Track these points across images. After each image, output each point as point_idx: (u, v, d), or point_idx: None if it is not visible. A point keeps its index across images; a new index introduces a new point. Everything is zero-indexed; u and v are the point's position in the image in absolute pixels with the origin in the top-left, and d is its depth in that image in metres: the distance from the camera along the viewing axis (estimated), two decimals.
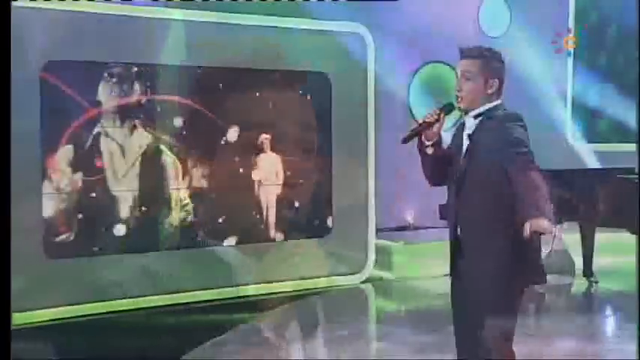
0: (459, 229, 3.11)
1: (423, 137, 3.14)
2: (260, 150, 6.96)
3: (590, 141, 9.79)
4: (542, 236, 7.04)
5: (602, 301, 6.98)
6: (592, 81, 9.83)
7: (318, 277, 7.20)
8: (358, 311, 6.64)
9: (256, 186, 6.95)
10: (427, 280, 7.44)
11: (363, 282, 7.41)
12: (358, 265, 7.45)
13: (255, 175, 6.96)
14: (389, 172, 8.01)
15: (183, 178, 6.58)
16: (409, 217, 8.67)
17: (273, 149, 7.00)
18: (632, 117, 9.75)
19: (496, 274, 2.97)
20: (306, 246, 7.15)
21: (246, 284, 6.81)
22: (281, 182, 7.05)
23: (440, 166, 3.17)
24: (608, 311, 6.74)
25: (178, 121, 6.55)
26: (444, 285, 7.40)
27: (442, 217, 7.29)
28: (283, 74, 7.01)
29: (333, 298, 6.88)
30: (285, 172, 7.07)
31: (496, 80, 3.10)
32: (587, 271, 7.31)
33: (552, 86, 9.53)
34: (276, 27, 6.94)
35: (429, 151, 3.14)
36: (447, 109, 3.16)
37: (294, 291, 6.95)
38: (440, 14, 8.68)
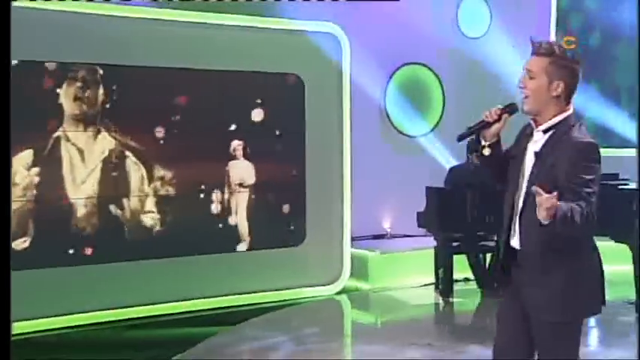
0: (517, 242, 2.98)
1: (481, 137, 3.07)
2: (232, 157, 6.94)
3: None
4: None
5: None
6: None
7: (291, 288, 7.18)
8: (333, 323, 6.62)
9: (227, 193, 6.92)
10: (405, 291, 7.46)
11: (338, 293, 7.40)
12: (333, 275, 7.45)
13: (227, 182, 6.93)
14: (365, 178, 8.04)
15: (148, 185, 6.54)
16: (386, 226, 8.70)
17: (245, 155, 6.98)
18: (614, 120, 9.87)
19: (557, 304, 2.90)
20: (279, 256, 7.13)
21: (215, 296, 6.77)
22: (253, 190, 7.03)
23: (499, 169, 3.10)
24: (592, 322, 6.74)
25: (145, 126, 6.50)
26: (423, 295, 7.52)
27: (420, 225, 7.33)
28: (254, 76, 7.00)
29: (306, 310, 6.87)
30: (257, 179, 7.05)
31: (561, 83, 2.92)
32: None
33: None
34: (247, 27, 6.93)
35: (486, 152, 3.06)
36: (511, 109, 3.05)
37: (265, 303, 6.92)
38: (418, 15, 8.73)
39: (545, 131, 2.94)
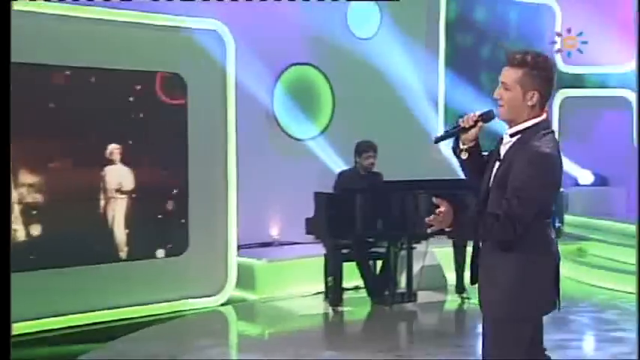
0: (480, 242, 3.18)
1: (460, 140, 3.23)
2: (109, 161, 6.75)
3: None
4: (414, 251, 7.14)
5: (475, 317, 7.24)
6: (464, 86, 10.21)
7: (173, 300, 7.06)
8: (217, 336, 6.54)
9: (103, 200, 6.72)
10: (293, 300, 7.47)
11: (222, 304, 7.33)
12: (218, 285, 7.36)
13: (103, 188, 6.73)
14: (252, 183, 7.99)
15: (14, 190, 6.27)
16: (274, 233, 8.69)
17: (123, 160, 6.80)
18: (503, 127, 10.22)
19: (503, 301, 3.05)
20: (160, 265, 7.00)
21: (89, 311, 6.56)
22: (132, 196, 6.86)
23: (475, 174, 3.24)
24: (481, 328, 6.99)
25: (14, 128, 6.20)
26: (312, 305, 7.54)
27: (309, 232, 7.35)
28: (134, 75, 6.84)
29: (188, 323, 6.76)
30: (136, 184, 6.88)
31: (535, 93, 3.06)
32: (459, 287, 7.54)
33: (424, 89, 9.83)
34: (124, 22, 6.76)
35: (463, 156, 3.22)
36: (487, 116, 3.19)
37: (145, 316, 6.77)
38: (306, 14, 8.75)
39: (512, 135, 3.10)
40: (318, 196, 7.19)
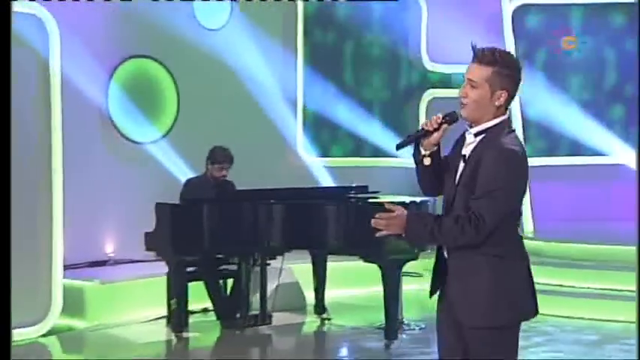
0: (445, 252, 3.32)
1: (421, 146, 3.34)
2: None
3: (322, 154, 10.25)
4: (269, 267, 7.13)
5: (336, 340, 7.31)
6: (325, 86, 10.33)
7: None
8: None
9: None
10: (131, 327, 7.33)
11: (44, 335, 7.03)
12: (39, 312, 7.03)
13: None
14: (82, 193, 7.83)
15: None
16: (108, 250, 8.52)
17: None
18: (368, 129, 10.40)
19: (484, 308, 3.20)
20: None
21: None
22: None
23: (436, 179, 3.37)
24: (343, 352, 7.07)
25: None
26: (152, 331, 7.35)
27: (149, 249, 7.22)
28: None
29: None
30: None
31: (504, 92, 3.23)
32: (320, 307, 7.63)
33: (280, 88, 9.87)
34: None
35: (426, 162, 3.33)
36: (451, 118, 3.30)
37: None
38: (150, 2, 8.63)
39: (476, 135, 3.26)
40: (160, 207, 7.10)
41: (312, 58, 10.30)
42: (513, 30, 10.93)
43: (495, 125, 3.24)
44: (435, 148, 3.34)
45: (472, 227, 3.11)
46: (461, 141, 3.34)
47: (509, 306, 3.20)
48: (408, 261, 6.68)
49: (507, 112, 3.30)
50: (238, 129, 8.98)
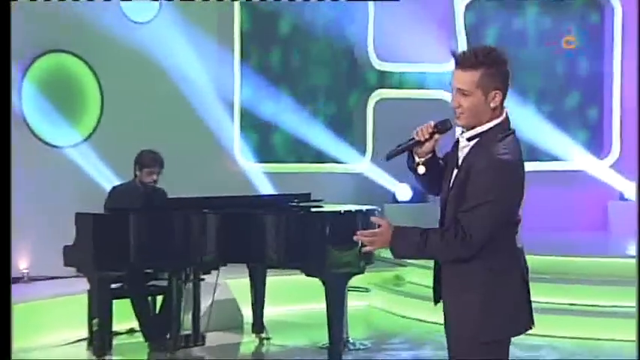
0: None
1: (415, 153, 3.44)
2: None
3: (260, 159, 10.20)
4: (202, 283, 7.06)
5: None
6: (264, 86, 10.29)
7: None
8: None
9: None
10: (49, 351, 7.23)
11: None
12: None
13: None
14: None
15: None
16: (22, 267, 8.44)
17: None
18: (312, 133, 10.37)
19: (476, 319, 3.29)
20: None
21: None
22: None
23: (437, 183, 3.46)
24: None
25: None
26: (73, 355, 7.17)
27: (68, 264, 7.11)
28: None
29: None
30: None
31: (498, 92, 3.29)
32: (258, 326, 7.58)
33: (216, 87, 9.79)
34: None
35: (420, 170, 3.44)
36: (444, 127, 3.39)
37: None
38: None
39: (469, 139, 3.33)
40: (80, 217, 6.95)
41: (251, 55, 10.25)
42: (465, 26, 11.07)
43: (490, 129, 3.30)
44: (430, 155, 3.43)
45: (459, 243, 3.19)
46: (454, 149, 3.43)
47: (500, 321, 3.29)
48: (354, 275, 6.63)
49: (504, 112, 3.34)
50: (169, 131, 8.92)
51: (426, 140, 3.39)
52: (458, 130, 3.44)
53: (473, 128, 3.32)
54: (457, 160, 3.35)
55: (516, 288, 3.32)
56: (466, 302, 3.29)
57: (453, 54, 3.31)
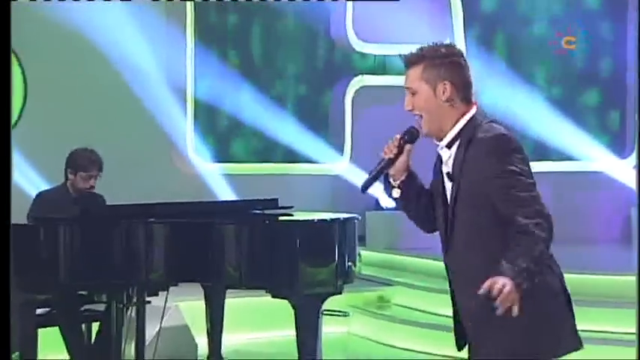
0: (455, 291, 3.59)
1: (390, 178, 3.61)
2: None
3: (219, 159, 10.18)
4: (148, 306, 7.03)
5: None
6: (223, 73, 10.30)
7: None
8: None
9: None
10: None
11: None
12: None
13: None
14: None
15: None
16: None
17: None
18: (279, 127, 10.36)
19: (522, 342, 3.41)
20: None
21: None
22: None
23: (425, 213, 3.65)
24: None
25: None
26: None
27: None
28: None
29: None
30: None
31: (445, 83, 3.51)
32: (215, 356, 7.53)
33: (165, 74, 9.77)
34: None
35: (395, 194, 3.61)
36: (410, 136, 3.59)
37: None
38: None
39: (449, 146, 3.53)
40: None
41: (207, 37, 10.24)
42: (464, 10, 11.09)
43: (464, 127, 3.50)
44: (405, 175, 3.59)
45: (537, 231, 3.26)
46: (438, 162, 3.61)
47: (550, 340, 3.42)
48: (330, 296, 6.57)
49: (473, 106, 3.54)
50: (109, 127, 8.92)
51: (397, 155, 3.57)
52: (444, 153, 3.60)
53: (438, 134, 3.54)
54: (447, 174, 3.53)
55: (560, 297, 3.50)
56: (508, 323, 3.31)
57: (400, 57, 3.64)
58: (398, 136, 3.58)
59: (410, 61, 3.56)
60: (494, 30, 11.16)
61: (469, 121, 3.51)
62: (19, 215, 7.05)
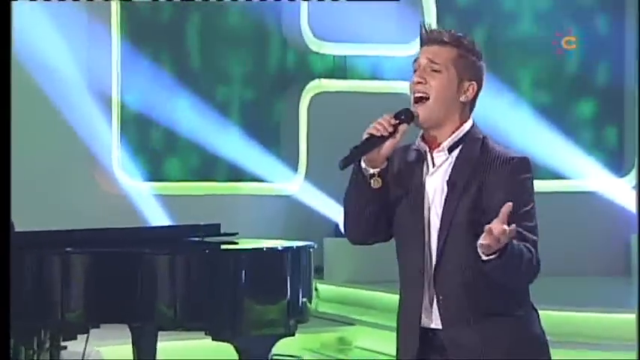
0: (432, 323, 3.51)
1: (364, 162, 3.50)
2: None
3: (150, 177, 10.11)
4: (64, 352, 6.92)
5: None
6: (155, 76, 10.26)
7: None
8: None
9: None
10: None
11: None
12: None
13: None
14: None
15: None
16: None
17: None
18: (222, 139, 10.30)
19: None
20: None
21: None
22: None
23: (383, 215, 3.58)
24: None
25: None
26: None
27: None
28: None
29: None
30: None
31: (473, 84, 3.54)
32: None
33: (86, 77, 9.74)
34: None
35: (375, 184, 3.51)
36: (407, 116, 3.49)
37: None
38: None
39: (450, 149, 3.52)
40: None
41: (135, 36, 10.21)
42: (437, 4, 11.16)
43: (466, 134, 3.53)
44: (386, 163, 3.51)
45: (533, 265, 3.41)
46: (402, 166, 3.57)
47: None
48: (281, 338, 6.50)
49: (472, 119, 3.58)
50: (21, 140, 8.73)
51: (390, 135, 3.46)
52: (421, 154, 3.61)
53: (432, 126, 3.51)
54: (428, 183, 3.52)
55: (540, 332, 3.57)
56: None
57: (424, 27, 3.54)
58: (392, 116, 3.50)
59: (443, 38, 3.54)
60: (472, 26, 11.18)
61: (469, 130, 3.55)
62: None
